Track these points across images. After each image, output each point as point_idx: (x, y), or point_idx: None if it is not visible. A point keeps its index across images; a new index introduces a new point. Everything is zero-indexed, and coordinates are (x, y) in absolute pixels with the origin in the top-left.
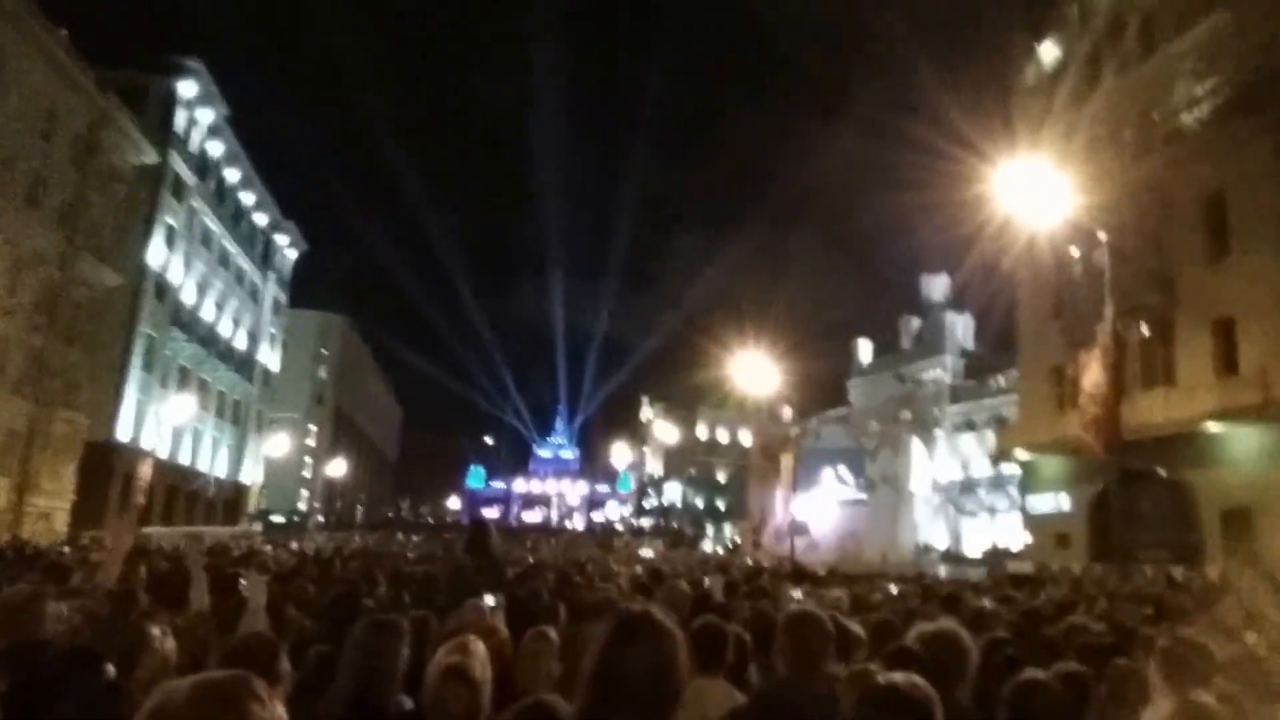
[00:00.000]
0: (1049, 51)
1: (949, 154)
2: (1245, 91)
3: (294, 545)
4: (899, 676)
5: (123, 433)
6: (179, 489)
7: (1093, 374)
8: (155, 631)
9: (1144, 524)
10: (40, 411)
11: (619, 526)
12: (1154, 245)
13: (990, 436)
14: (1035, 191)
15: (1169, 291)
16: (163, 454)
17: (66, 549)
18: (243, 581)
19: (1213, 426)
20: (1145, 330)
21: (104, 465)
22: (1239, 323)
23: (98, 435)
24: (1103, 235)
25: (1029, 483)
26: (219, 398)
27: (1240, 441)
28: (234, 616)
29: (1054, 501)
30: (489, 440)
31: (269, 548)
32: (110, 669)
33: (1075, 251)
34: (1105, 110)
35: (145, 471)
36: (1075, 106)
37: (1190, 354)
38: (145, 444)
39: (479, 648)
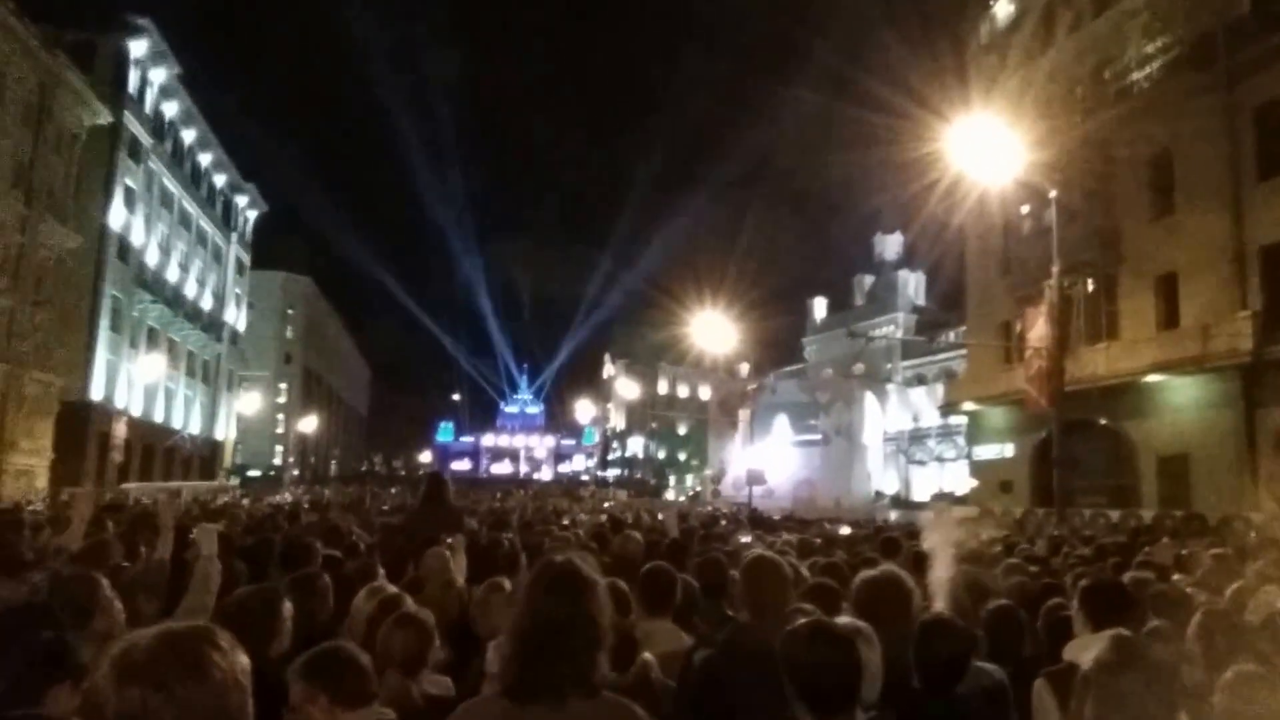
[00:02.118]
0: (1003, 8)
1: (905, 112)
2: (1194, 48)
3: (272, 499)
4: (822, 617)
5: (96, 392)
6: (155, 446)
7: (1038, 329)
8: (108, 586)
9: (1083, 470)
10: (12, 372)
11: (585, 478)
12: (1101, 203)
13: (940, 389)
14: (987, 149)
15: (1114, 248)
16: (136, 412)
17: (40, 505)
18: (194, 532)
19: (1153, 378)
20: (1090, 286)
21: (80, 424)
22: (1181, 279)
23: (72, 395)
24: (1052, 193)
25: (975, 433)
26: (189, 357)
27: (1178, 392)
28: (189, 566)
29: (999, 450)
30: (456, 397)
31: (245, 501)
32: (58, 623)
33: (1024, 209)
34: (1058, 68)
35: (120, 429)
36: (1029, 64)
37: (1133, 309)
38: (119, 403)
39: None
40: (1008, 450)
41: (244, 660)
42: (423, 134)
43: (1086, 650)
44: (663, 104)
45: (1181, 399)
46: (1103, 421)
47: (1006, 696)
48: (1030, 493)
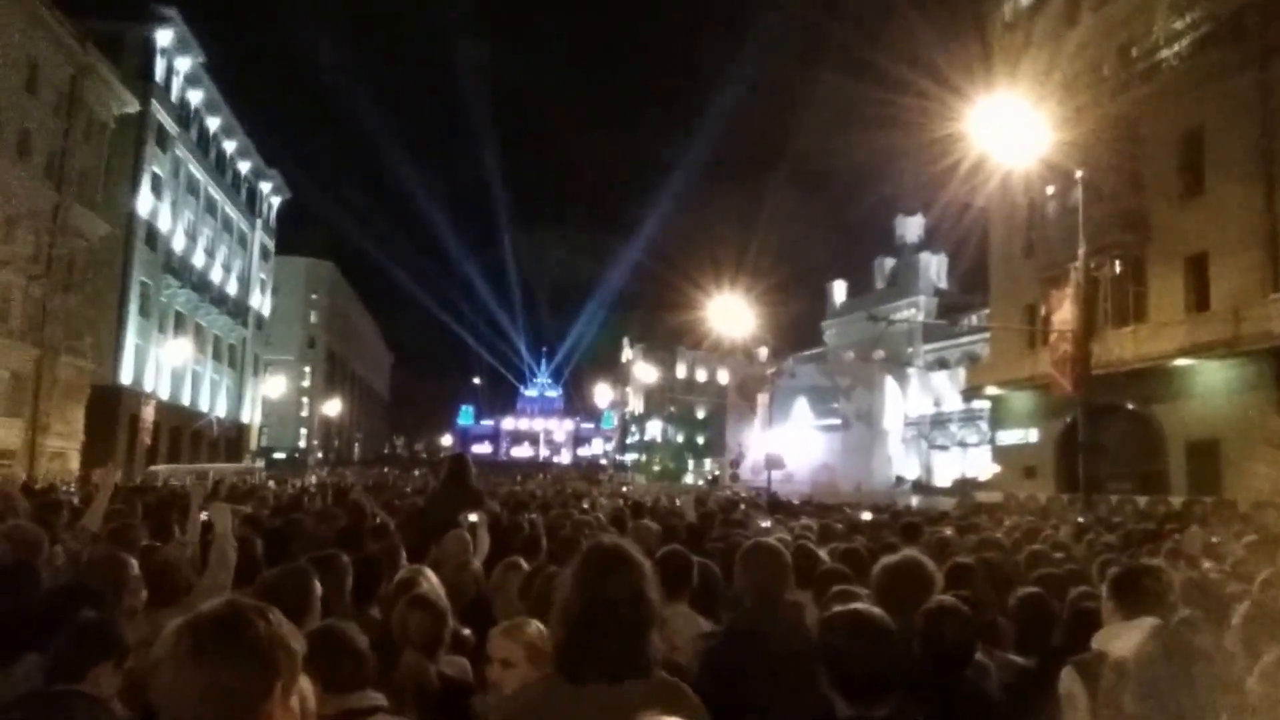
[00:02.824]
0: None
1: (926, 92)
2: (1226, 24)
3: (296, 482)
4: (862, 605)
5: (125, 376)
6: (183, 429)
7: (1064, 312)
8: (135, 567)
9: (1110, 456)
10: (45, 357)
11: (604, 461)
12: (1129, 183)
13: (962, 373)
14: (1011, 129)
15: (1143, 229)
16: (165, 396)
17: (72, 488)
18: (203, 515)
19: (1182, 361)
20: (1118, 268)
21: (110, 407)
22: (1211, 260)
23: (102, 379)
24: (1078, 173)
25: (999, 417)
26: (215, 342)
27: (1209, 376)
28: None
29: (1023, 435)
30: (477, 381)
31: (271, 483)
32: (101, 603)
33: (1050, 190)
34: (1084, 46)
35: (149, 412)
36: (1054, 42)
37: (1162, 291)
38: (148, 387)
39: (431, 576)
40: (1032, 435)
41: (288, 635)
42: (445, 121)
43: (1117, 639)
44: (682, 90)
45: (1212, 383)
46: (1130, 406)
47: (1034, 688)
48: (1055, 478)
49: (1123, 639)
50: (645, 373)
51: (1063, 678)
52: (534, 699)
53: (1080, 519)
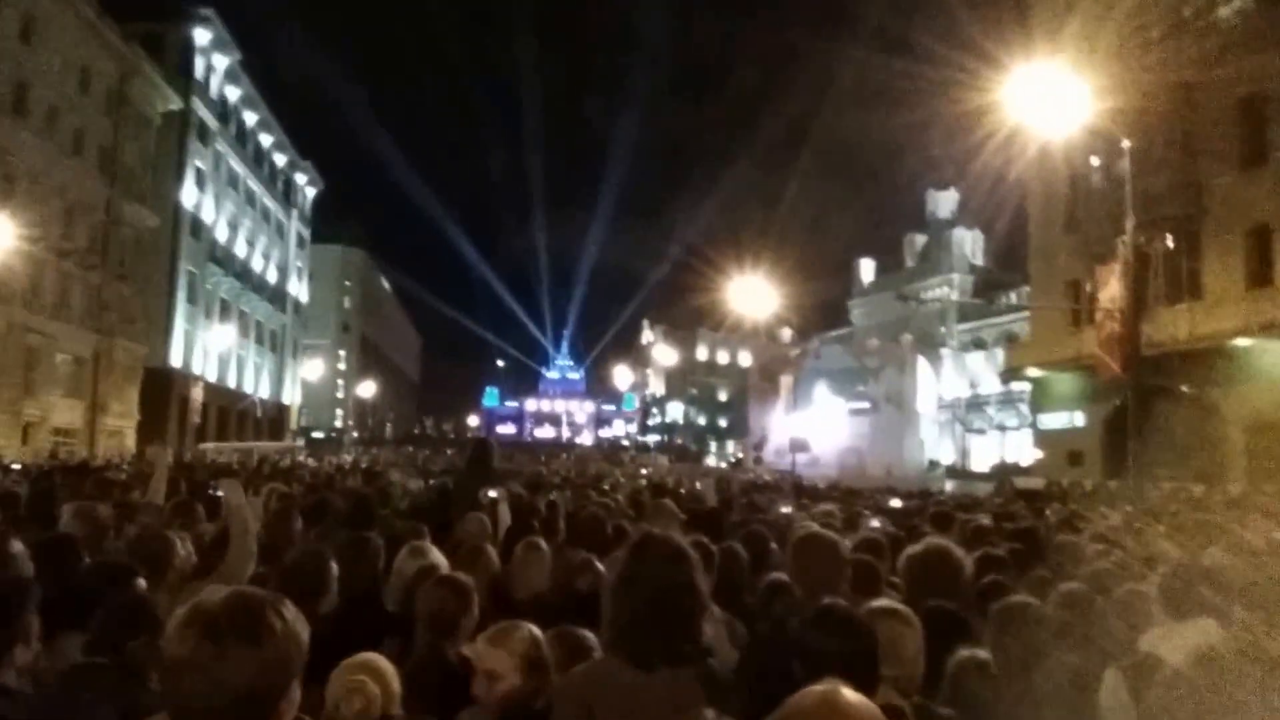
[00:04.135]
0: None
1: (959, 62)
2: None
3: (331, 460)
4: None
5: (175, 359)
6: (229, 409)
7: (1111, 289)
8: (180, 544)
9: (1162, 442)
10: (103, 341)
11: (625, 443)
12: (1181, 152)
13: (1000, 354)
14: (1051, 97)
15: (1196, 201)
16: (211, 378)
17: (126, 464)
18: (220, 490)
19: (1242, 341)
20: (1170, 242)
21: (162, 389)
22: (1274, 232)
23: (154, 362)
24: (1125, 142)
25: (1041, 400)
26: (257, 327)
27: (1272, 356)
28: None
29: (1067, 419)
30: (500, 363)
31: (310, 461)
32: (141, 583)
33: (1094, 160)
34: (1132, 7)
35: (197, 394)
36: (1099, 4)
37: (1218, 266)
38: (196, 369)
39: (440, 558)
40: (1077, 419)
41: (303, 631)
42: (473, 110)
43: (1167, 641)
44: (709, 70)
45: (1275, 364)
46: (1184, 389)
47: (1085, 685)
48: (1102, 465)
49: (1174, 641)
50: (665, 355)
51: (1106, 680)
52: (598, 677)
53: (1129, 508)
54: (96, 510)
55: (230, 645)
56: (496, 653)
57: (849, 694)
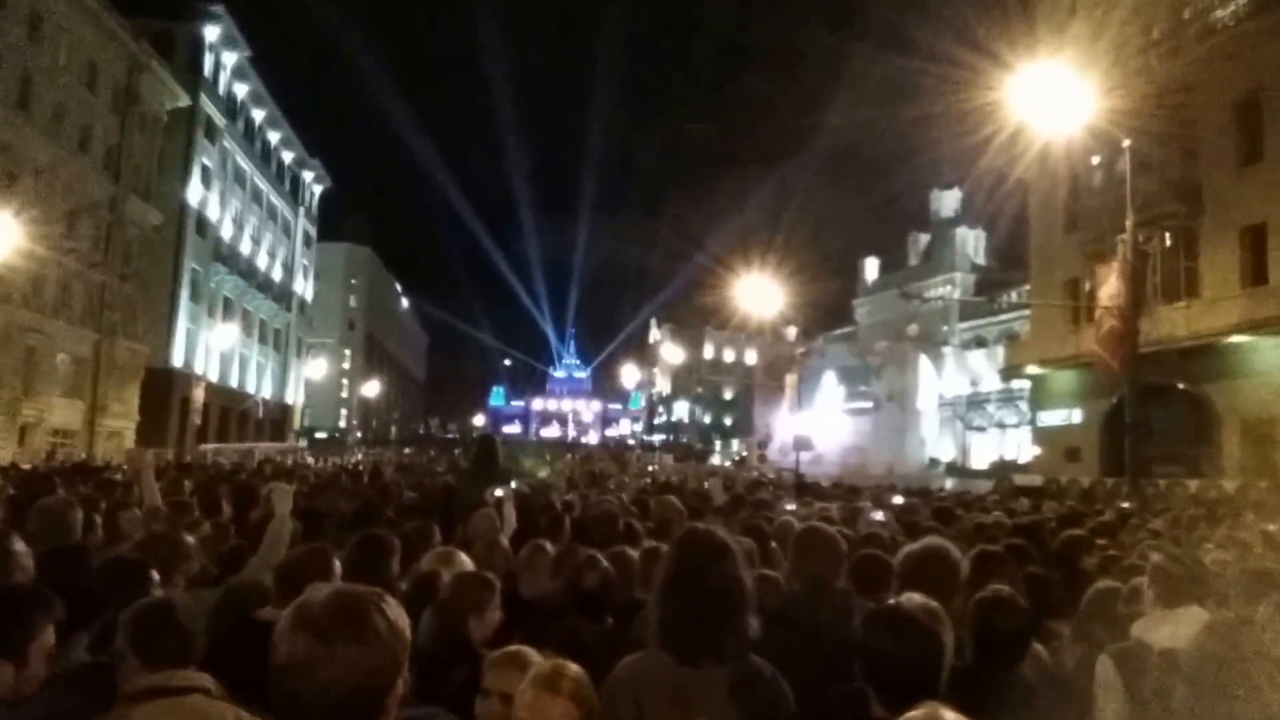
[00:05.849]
0: None
1: (963, 60)
2: None
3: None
4: (915, 598)
5: (177, 359)
6: (231, 409)
7: (1110, 287)
8: (188, 545)
9: (1159, 438)
10: (104, 341)
11: (631, 441)
12: (1180, 151)
13: (1000, 352)
14: (1053, 97)
15: (1194, 200)
16: (214, 378)
17: (125, 465)
18: (268, 490)
19: (1238, 338)
20: (1168, 240)
21: (163, 389)
22: (1270, 231)
23: (156, 362)
24: (1125, 141)
25: (1040, 397)
26: (261, 326)
27: (1267, 353)
28: (260, 525)
29: (1066, 416)
30: (507, 362)
31: (313, 461)
32: (155, 577)
33: (1095, 160)
34: (1133, 8)
35: (199, 394)
36: (1101, 4)
37: (1216, 264)
38: (198, 369)
39: (462, 556)
40: (1075, 416)
41: (406, 628)
42: (485, 108)
43: (1157, 630)
44: (713, 69)
45: (1270, 361)
46: (1181, 385)
47: (1077, 680)
48: (1100, 461)
49: (1163, 629)
50: (672, 353)
51: (1099, 666)
52: (647, 673)
53: (1126, 504)
54: (66, 510)
55: (340, 646)
56: (516, 675)
57: (949, 714)
